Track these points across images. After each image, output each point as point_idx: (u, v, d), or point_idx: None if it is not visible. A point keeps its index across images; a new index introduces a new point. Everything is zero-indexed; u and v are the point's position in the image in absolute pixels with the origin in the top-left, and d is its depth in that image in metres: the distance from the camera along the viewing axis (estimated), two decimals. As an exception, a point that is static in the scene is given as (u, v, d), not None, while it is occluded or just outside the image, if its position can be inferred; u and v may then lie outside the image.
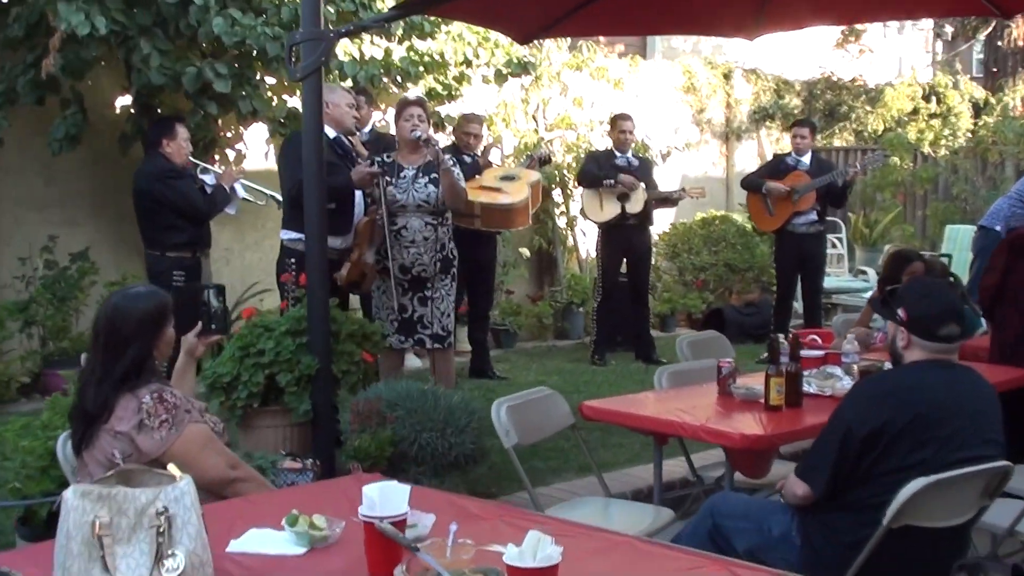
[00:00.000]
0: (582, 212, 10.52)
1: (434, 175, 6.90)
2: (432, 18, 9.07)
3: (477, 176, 8.91)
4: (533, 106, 12.40)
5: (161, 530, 2.58)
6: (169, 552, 2.58)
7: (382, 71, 8.65)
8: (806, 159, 10.30)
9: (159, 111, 8.66)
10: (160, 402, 3.74)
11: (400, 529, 2.77)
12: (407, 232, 6.91)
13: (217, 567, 2.72)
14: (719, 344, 6.52)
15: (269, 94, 8.90)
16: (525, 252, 11.91)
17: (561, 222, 12.61)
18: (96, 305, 8.80)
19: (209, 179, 7.75)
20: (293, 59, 5.61)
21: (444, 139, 10.50)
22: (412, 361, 10.17)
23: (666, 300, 12.66)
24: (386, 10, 6.61)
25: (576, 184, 10.87)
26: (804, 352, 5.44)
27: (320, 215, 5.75)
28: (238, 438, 6.08)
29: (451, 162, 6.97)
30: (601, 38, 13.58)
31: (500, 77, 10.24)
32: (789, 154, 10.50)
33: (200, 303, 4.44)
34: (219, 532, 3.00)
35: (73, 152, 8.98)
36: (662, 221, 13.52)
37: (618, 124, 10.30)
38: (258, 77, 8.31)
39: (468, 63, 10.05)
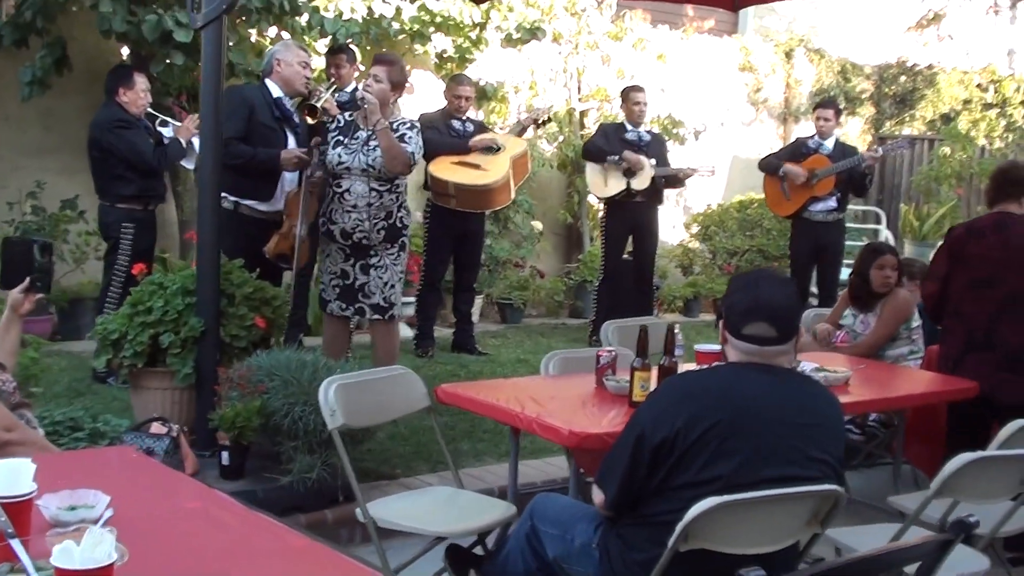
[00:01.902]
0: (585, 186, 10.20)
1: None
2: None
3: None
4: (568, 75, 12.07)
5: None
6: None
7: (367, 30, 8.38)
8: (829, 143, 9.83)
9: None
10: (-70, 359, 3.61)
11: (24, 510, 2.56)
12: (350, 196, 6.67)
13: None
14: (655, 333, 6.12)
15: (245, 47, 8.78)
16: (537, 225, 11.61)
17: (592, 196, 12.29)
18: (74, 253, 8.84)
19: (168, 131, 7.58)
20: (194, 7, 5.42)
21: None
22: (402, 330, 10.00)
23: (690, 283, 12.27)
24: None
25: (582, 157, 10.42)
26: (699, 346, 5.09)
27: (213, 172, 5.60)
28: (130, 397, 6.00)
29: (400, 127, 6.70)
30: (689, 11, 13.25)
31: (511, 41, 9.93)
32: (812, 137, 10.03)
33: (30, 258, 4.30)
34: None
35: (75, 99, 8.97)
36: (697, 201, 13.16)
37: (630, 96, 9.86)
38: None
39: (481, 26, 9.75)
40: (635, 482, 3.34)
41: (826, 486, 3.26)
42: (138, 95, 7.44)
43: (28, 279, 4.24)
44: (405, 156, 6.64)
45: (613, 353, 4.82)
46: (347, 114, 6.94)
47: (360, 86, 6.77)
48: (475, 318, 10.36)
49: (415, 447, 6.43)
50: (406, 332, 9.78)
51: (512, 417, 4.31)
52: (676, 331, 4.65)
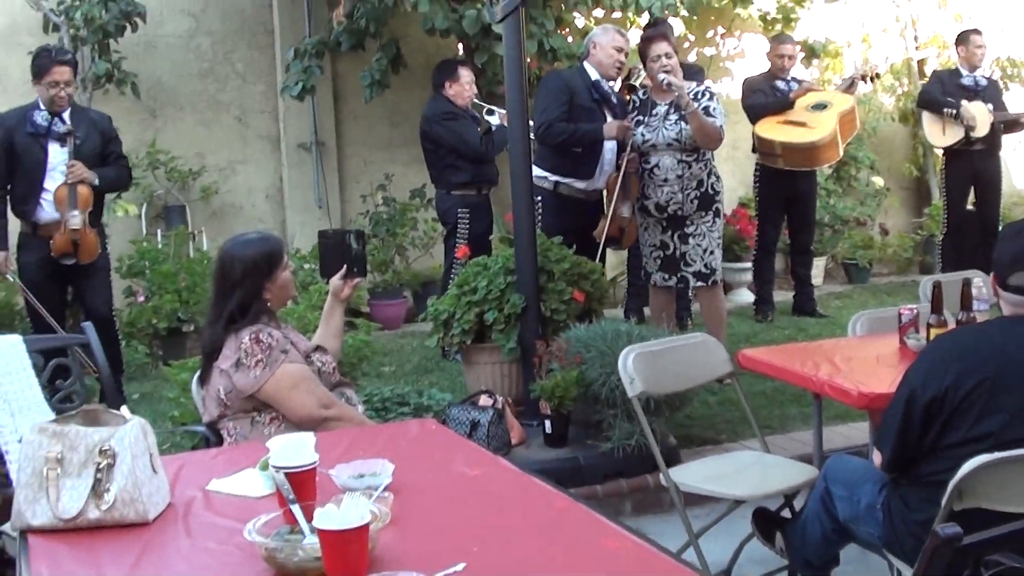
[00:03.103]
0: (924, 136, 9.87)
1: None
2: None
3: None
4: (902, 24, 11.65)
5: (101, 466, 2.79)
6: (106, 487, 2.79)
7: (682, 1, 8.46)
8: None
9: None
10: (256, 342, 3.95)
11: (307, 479, 2.82)
12: (659, 171, 6.80)
13: (190, 500, 2.94)
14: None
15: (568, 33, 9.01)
16: (878, 181, 11.28)
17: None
18: (422, 239, 9.37)
19: (495, 119, 7.91)
20: (493, 1, 5.66)
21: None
22: (744, 296, 10.02)
23: (1043, 235, 11.52)
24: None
25: (917, 105, 10.04)
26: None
27: (523, 156, 5.80)
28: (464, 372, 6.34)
29: (698, 99, 6.72)
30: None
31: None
32: None
33: (345, 247, 4.61)
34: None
35: (418, 94, 9.49)
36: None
37: (971, 39, 9.44)
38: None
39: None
40: (909, 442, 3.31)
41: None
42: (463, 87, 7.81)
43: (344, 266, 4.54)
44: (716, 132, 6.71)
45: (915, 310, 4.66)
46: (641, 92, 7.05)
47: (664, 73, 6.73)
48: (819, 279, 10.25)
49: (743, 412, 6.44)
50: (748, 297, 9.79)
51: (805, 380, 4.26)
52: (979, 285, 4.46)
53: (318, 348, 4.29)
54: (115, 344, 6.98)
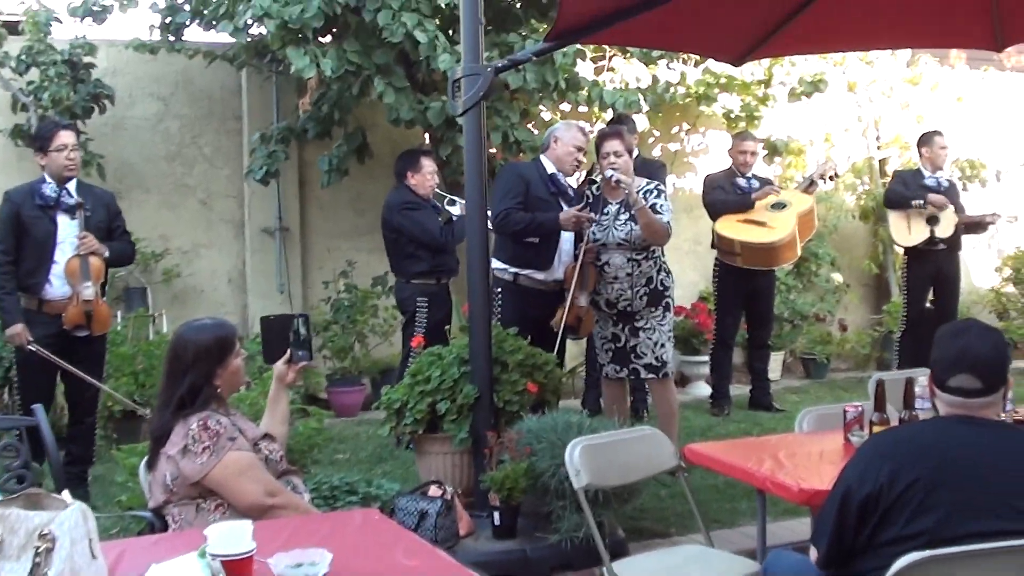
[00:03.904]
0: (889, 236, 10.03)
1: None
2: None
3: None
4: (864, 125, 11.90)
5: (40, 551, 2.80)
6: (44, 572, 2.79)
7: (643, 96, 8.63)
8: None
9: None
10: (204, 429, 3.96)
11: (244, 566, 2.85)
12: (610, 268, 6.88)
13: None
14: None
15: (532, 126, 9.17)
16: (837, 277, 11.44)
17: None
18: (382, 327, 9.40)
19: (456, 210, 8.00)
20: (455, 95, 5.76)
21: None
22: (701, 389, 10.09)
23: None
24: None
25: (884, 205, 10.21)
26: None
27: (481, 246, 5.85)
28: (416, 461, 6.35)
29: (646, 196, 6.80)
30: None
31: (795, 95, 9.96)
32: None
33: (290, 332, 4.63)
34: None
35: (384, 183, 9.59)
36: (1008, 244, 12.57)
37: (934, 140, 9.65)
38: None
39: (766, 83, 9.84)
40: (844, 538, 3.34)
41: None
42: (425, 177, 7.91)
43: (288, 351, 4.56)
44: (663, 228, 6.78)
45: (860, 408, 4.73)
46: (594, 188, 7.13)
47: (612, 169, 6.81)
48: (777, 374, 10.36)
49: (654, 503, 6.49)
50: (705, 391, 9.87)
51: (749, 475, 4.32)
52: (923, 383, 4.54)
53: (266, 435, 4.30)
54: (91, 429, 6.97)
